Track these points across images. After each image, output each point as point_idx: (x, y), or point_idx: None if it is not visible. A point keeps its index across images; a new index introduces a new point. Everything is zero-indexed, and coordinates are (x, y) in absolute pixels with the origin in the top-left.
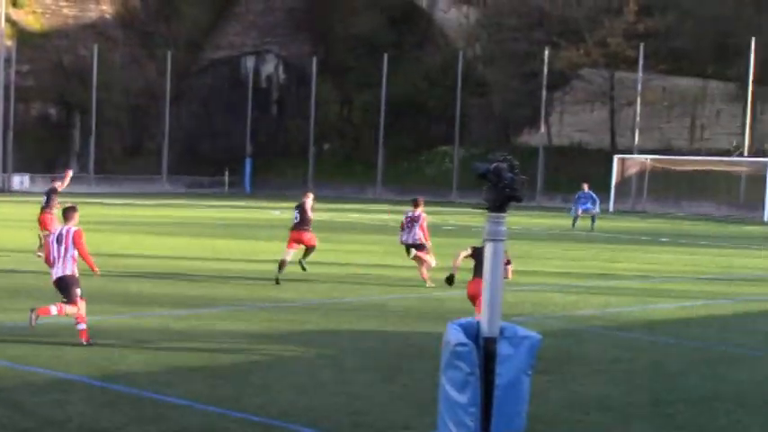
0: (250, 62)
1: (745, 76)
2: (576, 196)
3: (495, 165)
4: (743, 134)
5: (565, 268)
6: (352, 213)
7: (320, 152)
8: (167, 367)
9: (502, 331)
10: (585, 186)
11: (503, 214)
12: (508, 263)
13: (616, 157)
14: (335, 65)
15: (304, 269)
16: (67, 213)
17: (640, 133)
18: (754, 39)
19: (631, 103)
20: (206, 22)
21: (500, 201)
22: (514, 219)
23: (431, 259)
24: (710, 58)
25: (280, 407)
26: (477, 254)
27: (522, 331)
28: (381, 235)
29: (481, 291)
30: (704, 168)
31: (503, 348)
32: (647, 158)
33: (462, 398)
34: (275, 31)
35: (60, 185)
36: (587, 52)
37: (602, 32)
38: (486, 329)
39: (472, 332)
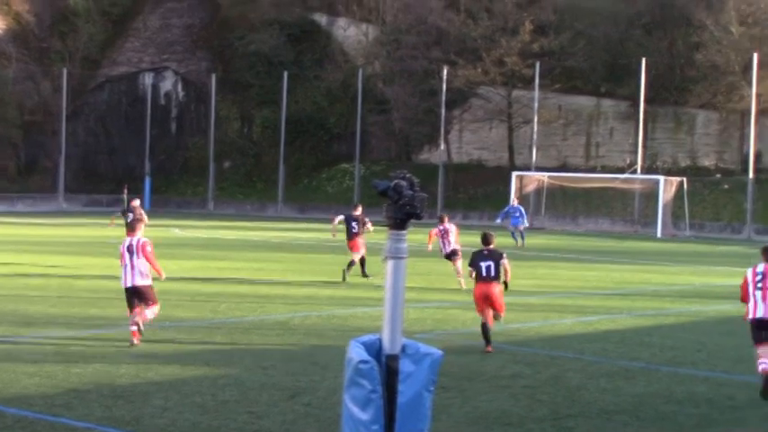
0: (148, 79)
1: (636, 95)
2: (505, 210)
3: (395, 182)
4: (636, 152)
5: (467, 285)
6: (253, 231)
7: (220, 170)
8: (65, 389)
9: (404, 348)
10: (515, 201)
11: (403, 231)
12: (501, 256)
13: (514, 175)
14: (235, 82)
15: (366, 276)
16: (134, 225)
17: (538, 151)
18: (644, 59)
19: (528, 121)
20: (103, 39)
21: (401, 218)
22: (418, 236)
23: (461, 265)
24: (604, 78)
25: (181, 427)
26: (472, 262)
27: (423, 348)
28: (283, 252)
29: (482, 294)
30: (600, 186)
31: (405, 365)
32: (545, 176)
33: (365, 415)
34: (173, 47)
35: None
36: (485, 71)
37: (499, 51)
38: (387, 346)
39: (374, 349)
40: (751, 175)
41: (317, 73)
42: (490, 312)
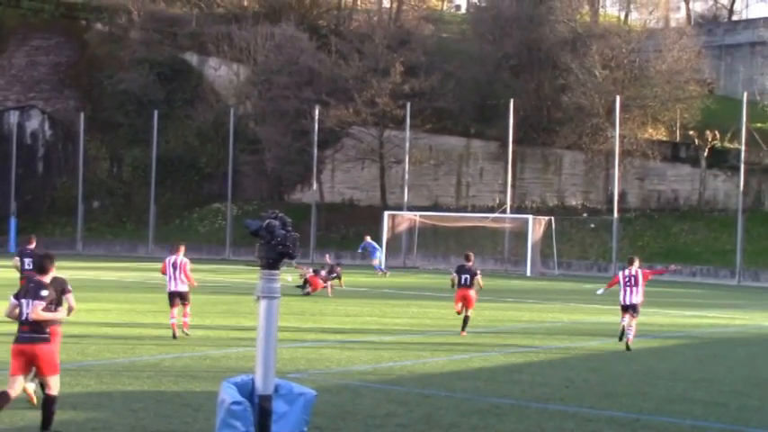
0: (14, 117)
1: (505, 136)
2: (363, 246)
3: (267, 222)
4: (505, 192)
5: (340, 324)
6: (123, 272)
7: (89, 210)
8: None
9: (277, 388)
10: (368, 237)
11: (276, 271)
12: (476, 272)
13: (386, 214)
14: (104, 121)
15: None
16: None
17: (409, 190)
18: (512, 101)
19: (400, 161)
20: None
21: (273, 258)
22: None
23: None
24: (473, 118)
25: None
26: (458, 271)
27: (297, 388)
28: (154, 293)
29: (461, 297)
30: (471, 225)
31: (278, 406)
32: (416, 215)
33: None
34: (40, 86)
35: None
36: (357, 111)
37: (370, 92)
38: (260, 387)
39: (247, 390)
40: (616, 214)
41: (188, 112)
42: (464, 308)
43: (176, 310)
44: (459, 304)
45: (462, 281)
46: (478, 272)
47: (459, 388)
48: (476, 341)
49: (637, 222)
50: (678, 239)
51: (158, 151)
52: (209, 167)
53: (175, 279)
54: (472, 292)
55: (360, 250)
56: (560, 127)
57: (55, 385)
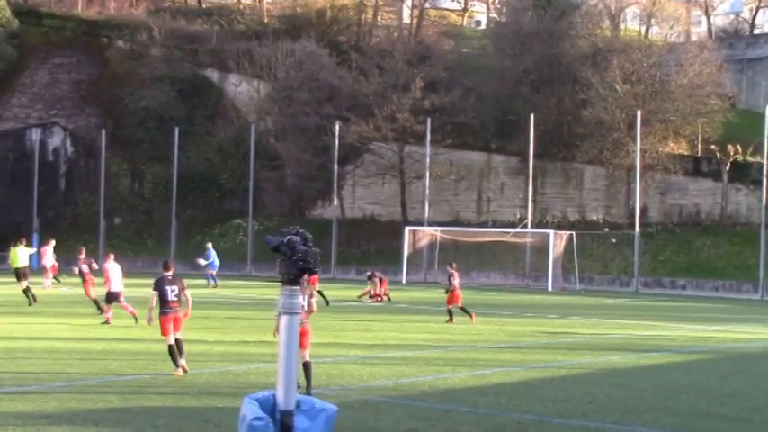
0: (36, 135)
1: (525, 151)
2: (207, 254)
3: (288, 238)
4: (526, 207)
5: (361, 339)
6: (144, 288)
7: (111, 226)
8: None
9: (299, 404)
10: (209, 245)
11: (297, 287)
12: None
13: (407, 229)
14: (125, 138)
15: None
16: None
17: (430, 206)
18: (533, 116)
19: (421, 177)
20: None
21: (294, 274)
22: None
23: None
24: (494, 134)
25: None
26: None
27: (319, 403)
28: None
29: (455, 298)
30: (491, 240)
31: (300, 421)
32: (437, 230)
33: None
34: (61, 103)
35: None
36: (377, 127)
37: (390, 108)
38: (282, 402)
39: (268, 406)
40: (637, 228)
41: (209, 129)
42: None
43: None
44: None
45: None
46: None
47: (480, 403)
48: (497, 357)
49: (658, 237)
50: (700, 254)
51: (179, 167)
52: (230, 183)
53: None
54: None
55: (206, 260)
56: (581, 142)
57: None
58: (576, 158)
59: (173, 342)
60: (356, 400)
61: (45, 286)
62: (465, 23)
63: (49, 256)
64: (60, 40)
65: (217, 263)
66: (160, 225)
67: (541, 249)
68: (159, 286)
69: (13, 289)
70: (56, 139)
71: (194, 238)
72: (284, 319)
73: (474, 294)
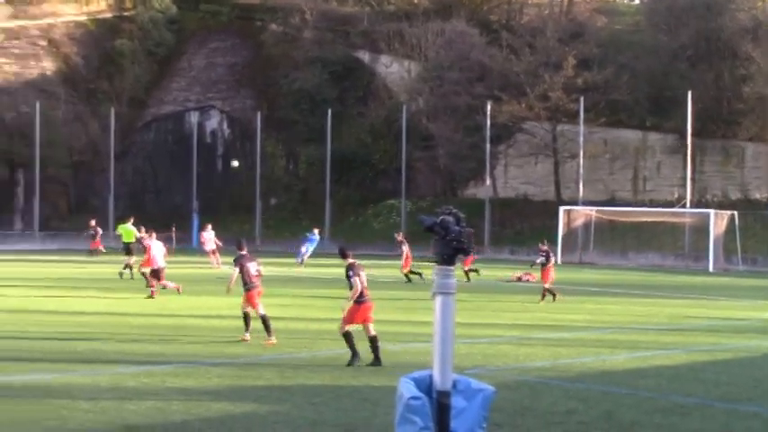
0: (194, 117)
1: (683, 128)
2: (311, 238)
3: (441, 218)
4: (684, 186)
5: (516, 320)
6: (299, 267)
7: (267, 207)
8: (119, 426)
9: (455, 384)
10: (316, 231)
11: (451, 267)
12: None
13: (562, 209)
14: (279, 119)
15: None
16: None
17: (584, 185)
18: (690, 92)
19: (574, 156)
20: (149, 79)
21: (448, 254)
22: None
23: None
24: (649, 111)
25: None
26: None
27: (475, 384)
28: (332, 288)
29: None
30: (649, 220)
31: (456, 402)
32: (593, 210)
33: None
34: (218, 86)
35: None
36: (529, 106)
37: (542, 86)
38: (438, 382)
39: (425, 385)
40: None
41: (361, 110)
42: None
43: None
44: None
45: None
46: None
47: (641, 386)
48: (657, 338)
49: None
50: None
51: (333, 148)
52: (382, 164)
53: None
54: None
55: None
56: (742, 118)
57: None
58: (737, 135)
59: (264, 312)
60: (513, 380)
61: (214, 265)
62: None
63: (209, 241)
64: (216, 24)
65: (310, 249)
66: (315, 205)
67: (701, 229)
68: (241, 263)
69: (180, 269)
70: (213, 122)
71: (348, 218)
72: (439, 300)
73: (631, 275)
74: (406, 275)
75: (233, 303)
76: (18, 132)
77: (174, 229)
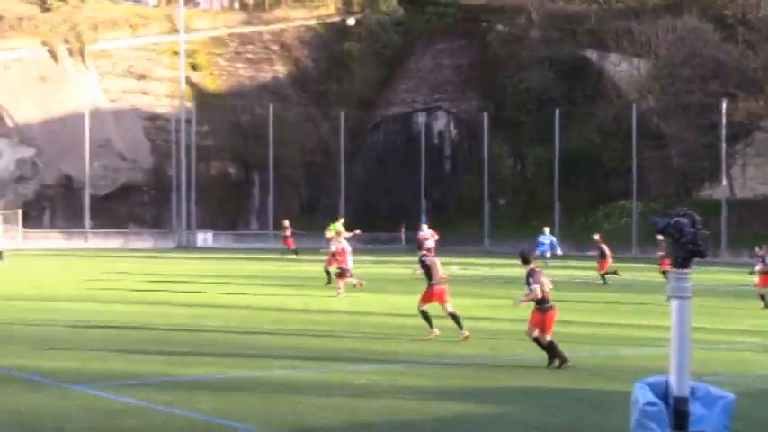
0: (421, 118)
1: None
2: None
3: (675, 219)
4: None
5: (758, 326)
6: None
7: (495, 208)
8: (353, 423)
9: (693, 391)
10: (546, 230)
11: (687, 270)
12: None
13: None
14: (505, 120)
15: None
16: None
17: None
18: None
19: None
20: (377, 81)
21: (683, 257)
22: (699, 276)
23: None
24: None
25: None
26: None
27: (715, 391)
28: (569, 291)
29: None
30: None
31: (695, 408)
32: None
33: None
34: (444, 87)
35: None
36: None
37: None
38: (675, 388)
39: (661, 391)
40: None
41: (589, 109)
42: None
43: None
44: None
45: None
46: None
47: None
48: None
49: None
50: None
51: (561, 148)
52: (612, 164)
53: None
54: None
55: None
56: None
57: None
58: None
59: (452, 310)
60: (756, 388)
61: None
62: None
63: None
64: (442, 26)
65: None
66: (543, 206)
67: None
68: (427, 264)
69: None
70: (440, 123)
71: (578, 219)
72: (674, 304)
73: None
74: (602, 276)
75: (459, 305)
76: (252, 134)
77: (403, 228)
